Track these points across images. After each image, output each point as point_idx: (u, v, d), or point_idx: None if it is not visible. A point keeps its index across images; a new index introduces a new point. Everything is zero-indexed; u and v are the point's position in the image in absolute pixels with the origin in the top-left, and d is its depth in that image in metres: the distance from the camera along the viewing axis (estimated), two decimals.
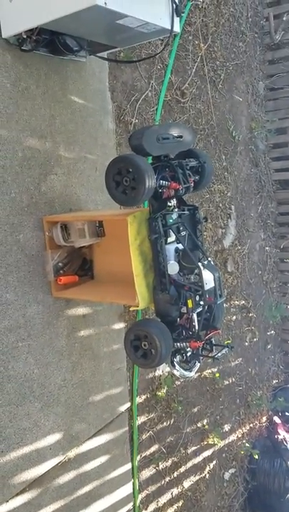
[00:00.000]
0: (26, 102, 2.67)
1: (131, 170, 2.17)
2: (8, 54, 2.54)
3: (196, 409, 4.28)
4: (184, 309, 2.45)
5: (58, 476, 2.99)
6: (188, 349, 2.51)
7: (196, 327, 2.48)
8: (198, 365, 2.59)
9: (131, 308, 2.45)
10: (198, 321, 2.49)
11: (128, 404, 3.54)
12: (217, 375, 4.37)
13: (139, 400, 3.66)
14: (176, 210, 2.48)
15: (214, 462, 4.56)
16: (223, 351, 2.56)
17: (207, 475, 4.49)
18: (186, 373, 2.56)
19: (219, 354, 2.51)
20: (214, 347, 2.57)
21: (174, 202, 2.45)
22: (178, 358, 2.56)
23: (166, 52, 3.83)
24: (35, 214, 2.72)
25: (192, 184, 2.46)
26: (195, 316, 2.49)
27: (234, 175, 4.92)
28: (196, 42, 4.18)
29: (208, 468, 4.51)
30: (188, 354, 2.56)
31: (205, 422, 4.40)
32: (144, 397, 3.71)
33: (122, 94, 3.35)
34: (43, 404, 2.80)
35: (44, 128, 2.78)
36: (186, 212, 2.56)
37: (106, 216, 2.62)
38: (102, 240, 2.90)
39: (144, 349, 2.35)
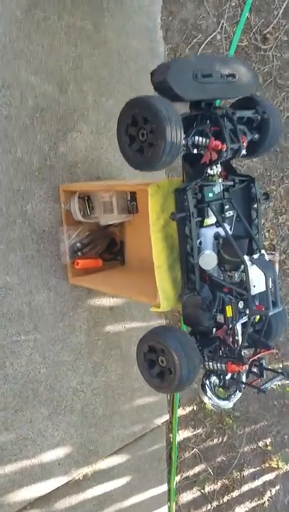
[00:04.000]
0: (43, 36, 2.10)
1: (148, 118, 1.52)
2: None
3: (257, 427, 3.58)
4: (220, 318, 1.78)
5: (70, 495, 2.51)
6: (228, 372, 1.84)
7: (239, 343, 1.81)
8: (239, 394, 1.92)
9: (151, 309, 1.83)
10: (242, 334, 1.82)
11: (167, 417, 2.95)
12: (288, 389, 3.61)
13: (182, 412, 3.06)
14: (220, 180, 1.79)
15: (277, 488, 3.84)
16: (277, 380, 1.85)
17: (267, 502, 3.79)
18: (221, 403, 1.91)
19: (269, 384, 1.82)
20: (265, 372, 1.88)
21: (216, 169, 1.76)
22: (213, 380, 1.91)
23: None
24: (49, 180, 2.18)
25: (245, 144, 1.74)
26: (239, 327, 1.82)
27: None
28: None
29: (268, 494, 3.81)
30: (227, 377, 1.90)
31: (268, 441, 3.68)
32: (189, 409, 3.10)
33: (179, 35, 2.66)
34: (51, 411, 2.31)
35: (66, 72, 2.20)
36: (237, 184, 1.85)
37: (127, 186, 2.00)
38: (134, 218, 2.29)
39: (162, 366, 1.73)
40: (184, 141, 1.61)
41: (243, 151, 1.74)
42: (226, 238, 1.76)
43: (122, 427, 2.68)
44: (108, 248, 2.40)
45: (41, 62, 2.11)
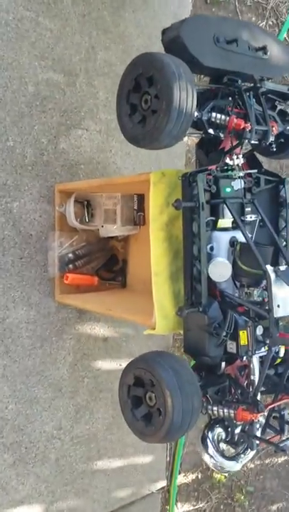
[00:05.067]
0: (53, 20, 1.89)
1: (154, 76, 1.22)
2: None
3: (274, 507, 2.98)
4: (231, 347, 1.36)
5: None
6: (237, 422, 1.40)
7: (255, 383, 1.38)
8: (251, 453, 1.45)
9: (145, 332, 1.43)
10: (259, 372, 1.39)
11: (164, 483, 2.43)
12: None
13: (183, 479, 2.54)
14: (240, 174, 1.44)
15: None
16: None
17: None
18: (227, 464, 1.45)
19: None
20: (287, 426, 1.43)
21: (237, 160, 1.42)
22: (218, 433, 1.46)
23: None
24: (43, 178, 1.88)
25: (274, 131, 1.41)
26: (255, 361, 1.40)
27: None
28: None
29: None
30: (237, 430, 1.45)
31: None
32: (192, 476, 2.58)
33: None
34: (16, 458, 1.87)
35: (76, 62, 1.97)
36: (262, 184, 1.50)
37: (127, 179, 1.66)
38: (141, 232, 1.94)
39: (149, 405, 1.31)
40: (197, 114, 1.29)
41: (271, 138, 1.40)
42: (245, 244, 1.38)
43: (105, 490, 2.18)
44: (107, 265, 2.04)
45: (48, 47, 1.88)
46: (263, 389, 1.42)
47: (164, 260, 1.42)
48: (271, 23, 2.89)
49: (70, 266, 1.90)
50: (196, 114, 1.28)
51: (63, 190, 1.88)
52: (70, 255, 1.91)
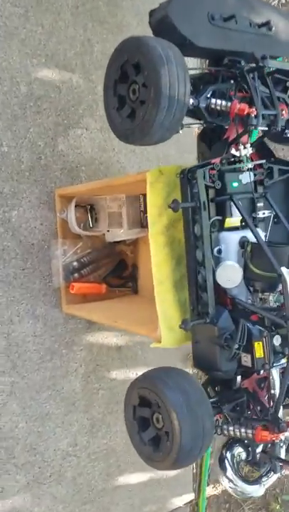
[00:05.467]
0: (44, 14, 1.77)
1: (140, 62, 1.09)
2: None
3: None
4: (246, 360, 1.22)
5: None
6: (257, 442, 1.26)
7: (276, 398, 1.24)
8: (274, 477, 1.31)
9: (152, 345, 1.30)
10: (280, 386, 1.25)
11: (191, 496, 2.30)
12: None
13: (212, 491, 2.40)
14: (249, 166, 1.30)
15: None
16: None
17: None
18: (248, 488, 1.31)
19: None
20: None
21: (245, 150, 1.27)
22: (237, 453, 1.33)
23: None
24: (42, 183, 1.78)
25: (285, 114, 1.26)
26: (275, 373, 1.26)
27: None
28: None
29: None
30: (258, 449, 1.31)
31: None
32: (222, 487, 2.43)
33: None
34: (30, 479, 1.78)
35: (72, 57, 1.85)
36: (276, 174, 1.35)
37: (124, 179, 1.53)
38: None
39: (158, 428, 1.18)
40: (192, 101, 1.15)
41: (282, 123, 1.25)
42: (256, 245, 1.24)
43: (128, 506, 2.07)
44: (116, 271, 1.92)
45: (40, 43, 1.77)
46: (287, 402, 1.28)
47: (166, 267, 1.29)
48: (284, 0, 2.70)
49: (76, 275, 1.80)
50: (191, 101, 1.14)
51: (64, 195, 1.77)
52: (75, 263, 1.80)
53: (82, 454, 1.91)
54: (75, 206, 1.78)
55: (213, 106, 1.19)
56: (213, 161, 1.24)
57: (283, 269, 1.15)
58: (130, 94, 1.14)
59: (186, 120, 1.26)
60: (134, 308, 1.67)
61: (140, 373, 2.06)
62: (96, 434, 1.94)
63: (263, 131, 1.29)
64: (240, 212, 1.24)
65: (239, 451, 1.32)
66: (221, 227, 1.27)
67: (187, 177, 1.19)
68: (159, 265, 1.29)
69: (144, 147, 2.02)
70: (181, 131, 1.18)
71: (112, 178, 1.81)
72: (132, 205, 1.77)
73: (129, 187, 1.48)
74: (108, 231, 1.84)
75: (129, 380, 2.04)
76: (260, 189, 1.34)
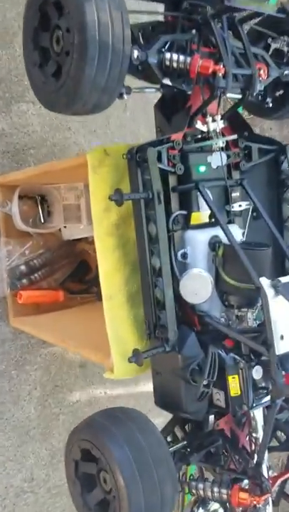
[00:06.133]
0: None
1: (61, 3, 0.78)
2: None
3: None
4: (218, 398, 0.93)
5: None
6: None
7: (260, 445, 0.96)
8: None
9: (104, 375, 1.01)
10: (263, 430, 0.96)
11: None
12: None
13: None
14: (221, 144, 0.99)
15: None
16: None
17: None
18: None
19: None
20: None
21: (214, 123, 0.97)
22: (212, 509, 1.04)
23: None
24: None
25: (264, 76, 0.95)
26: (258, 414, 0.97)
27: None
28: None
29: None
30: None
31: None
32: None
33: None
34: None
35: (13, 17, 1.54)
36: (254, 155, 1.05)
37: (64, 163, 1.22)
38: None
39: (105, 491, 0.89)
40: (138, 53, 0.85)
41: (260, 87, 0.94)
42: (228, 247, 0.94)
43: None
44: (76, 275, 1.63)
45: None
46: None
47: (117, 277, 0.99)
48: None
49: (24, 281, 1.50)
50: (136, 53, 0.84)
51: (5, 184, 1.47)
52: (23, 267, 1.50)
53: (41, 490, 1.64)
54: (21, 197, 1.48)
55: (168, 62, 0.89)
56: (172, 137, 0.94)
57: (263, 281, 0.86)
58: (54, 45, 0.83)
59: (137, 83, 0.96)
60: (93, 322, 1.37)
61: (110, 392, 1.79)
62: (57, 465, 1.67)
63: (236, 99, 0.99)
64: (208, 204, 0.94)
65: (215, 508, 1.04)
66: (185, 224, 0.98)
67: (136, 159, 0.89)
68: (108, 275, 0.99)
69: (108, 127, 1.71)
70: (127, 97, 0.88)
71: (51, 162, 1.49)
72: None
73: (72, 173, 1.18)
74: (65, 227, 1.57)
75: (97, 401, 1.78)
76: (235, 175, 1.05)
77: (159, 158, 0.90)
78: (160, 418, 1.94)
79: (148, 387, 1.91)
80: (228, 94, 0.96)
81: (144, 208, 0.90)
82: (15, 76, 1.53)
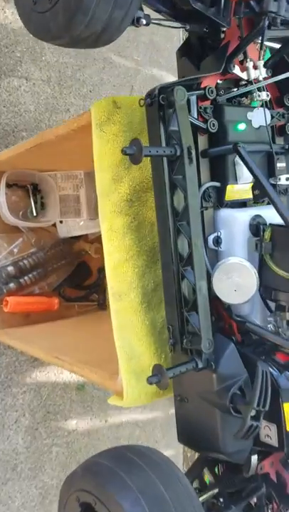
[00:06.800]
0: None
1: None
2: None
3: None
4: (269, 434, 0.68)
5: None
6: None
7: None
8: None
9: (109, 400, 0.75)
10: None
11: None
12: None
13: None
14: (264, 97, 0.76)
15: None
16: None
17: None
18: None
19: None
20: None
21: (256, 71, 0.74)
22: None
23: None
24: None
25: None
26: None
27: None
28: None
29: None
30: None
31: None
32: None
33: None
34: None
35: None
36: None
37: (60, 129, 0.98)
38: None
39: None
40: None
41: None
42: (280, 228, 0.70)
43: None
44: (74, 279, 1.40)
45: None
46: None
47: (129, 270, 0.75)
48: None
49: (12, 285, 1.28)
50: None
51: None
52: (11, 268, 1.28)
53: None
54: (10, 186, 1.26)
55: None
56: (204, 82, 0.72)
57: None
58: None
59: (156, 16, 0.73)
60: (93, 335, 1.12)
61: (111, 420, 1.53)
62: (49, 507, 1.40)
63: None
64: (252, 172, 0.71)
65: None
66: (219, 200, 0.74)
67: (158, 101, 0.66)
68: (117, 268, 0.75)
69: None
70: (144, 25, 0.65)
71: (43, 131, 1.25)
72: (95, 185, 1.24)
73: (72, 148, 0.95)
74: (61, 222, 1.33)
75: (96, 431, 1.52)
76: (279, 140, 0.81)
77: (188, 104, 0.68)
78: (169, 450, 1.68)
79: (155, 413, 1.65)
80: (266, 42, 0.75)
81: (168, 170, 0.67)
82: (5, 46, 1.32)
